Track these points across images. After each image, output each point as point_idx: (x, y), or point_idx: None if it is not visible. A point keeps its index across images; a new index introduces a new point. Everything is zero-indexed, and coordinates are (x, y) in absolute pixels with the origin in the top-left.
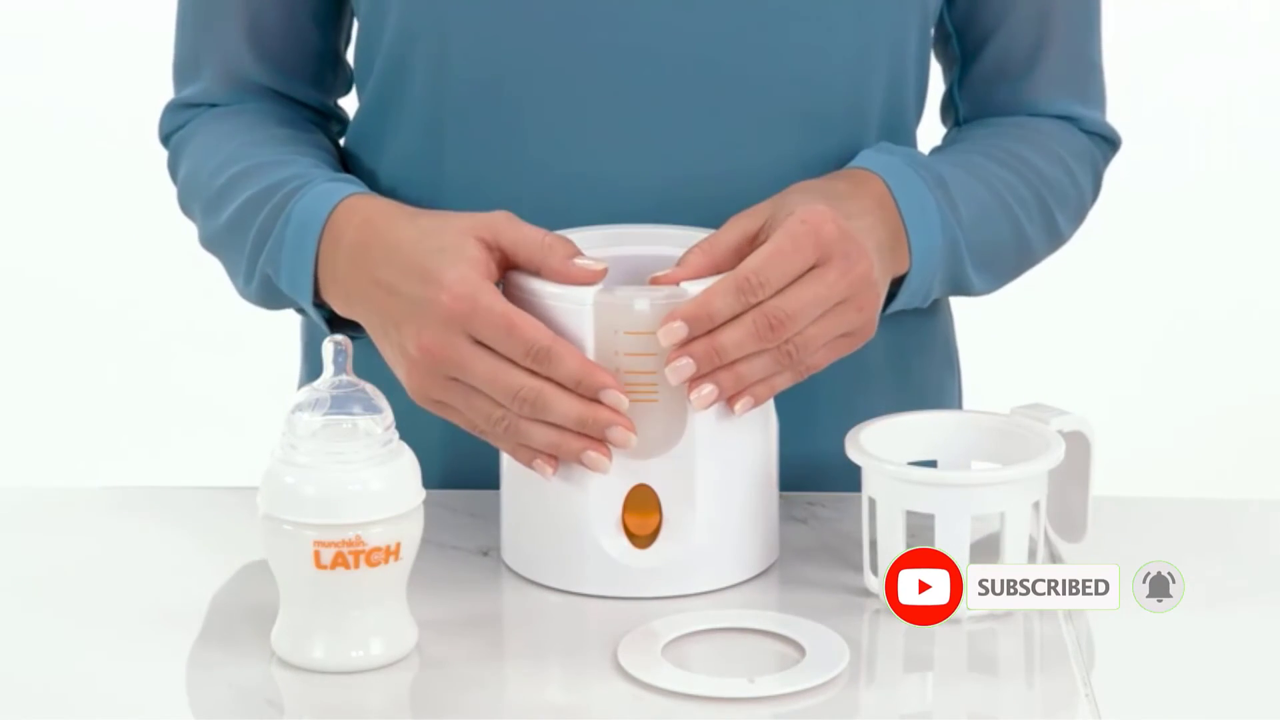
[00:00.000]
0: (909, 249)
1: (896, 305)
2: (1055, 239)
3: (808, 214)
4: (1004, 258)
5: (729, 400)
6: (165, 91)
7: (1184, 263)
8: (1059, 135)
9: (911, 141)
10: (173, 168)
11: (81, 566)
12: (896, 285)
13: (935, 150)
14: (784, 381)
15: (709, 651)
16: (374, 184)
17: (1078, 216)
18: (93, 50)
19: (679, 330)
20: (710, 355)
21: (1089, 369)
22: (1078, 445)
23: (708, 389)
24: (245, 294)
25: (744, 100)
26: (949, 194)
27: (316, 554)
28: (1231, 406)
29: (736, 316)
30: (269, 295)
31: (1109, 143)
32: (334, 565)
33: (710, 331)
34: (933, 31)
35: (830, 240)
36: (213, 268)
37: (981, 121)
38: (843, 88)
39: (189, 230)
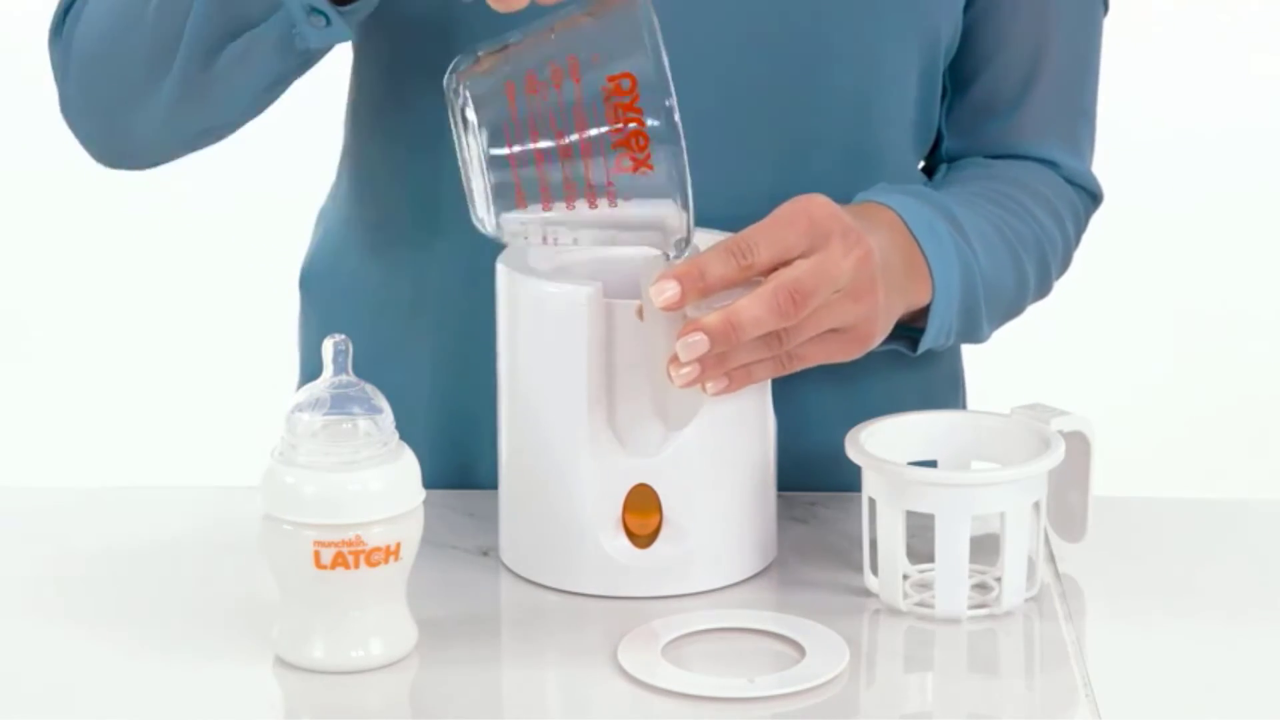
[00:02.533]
0: (929, 273)
1: (926, 342)
2: (1045, 289)
3: (802, 196)
4: (1007, 299)
5: (703, 376)
6: None
7: (1184, 263)
8: (1050, 184)
9: (913, 179)
10: (65, 44)
11: (81, 566)
12: (919, 320)
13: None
14: (764, 371)
15: (709, 651)
16: (379, 179)
17: (1064, 268)
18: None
19: (670, 288)
20: (728, 333)
21: (1089, 369)
22: (1078, 445)
23: (687, 370)
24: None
25: (736, 123)
26: (959, 225)
27: (316, 554)
28: (1231, 406)
29: (757, 302)
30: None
31: (1092, 197)
32: (334, 565)
33: (731, 311)
34: (942, 67)
35: (823, 219)
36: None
37: (971, 162)
38: (839, 114)
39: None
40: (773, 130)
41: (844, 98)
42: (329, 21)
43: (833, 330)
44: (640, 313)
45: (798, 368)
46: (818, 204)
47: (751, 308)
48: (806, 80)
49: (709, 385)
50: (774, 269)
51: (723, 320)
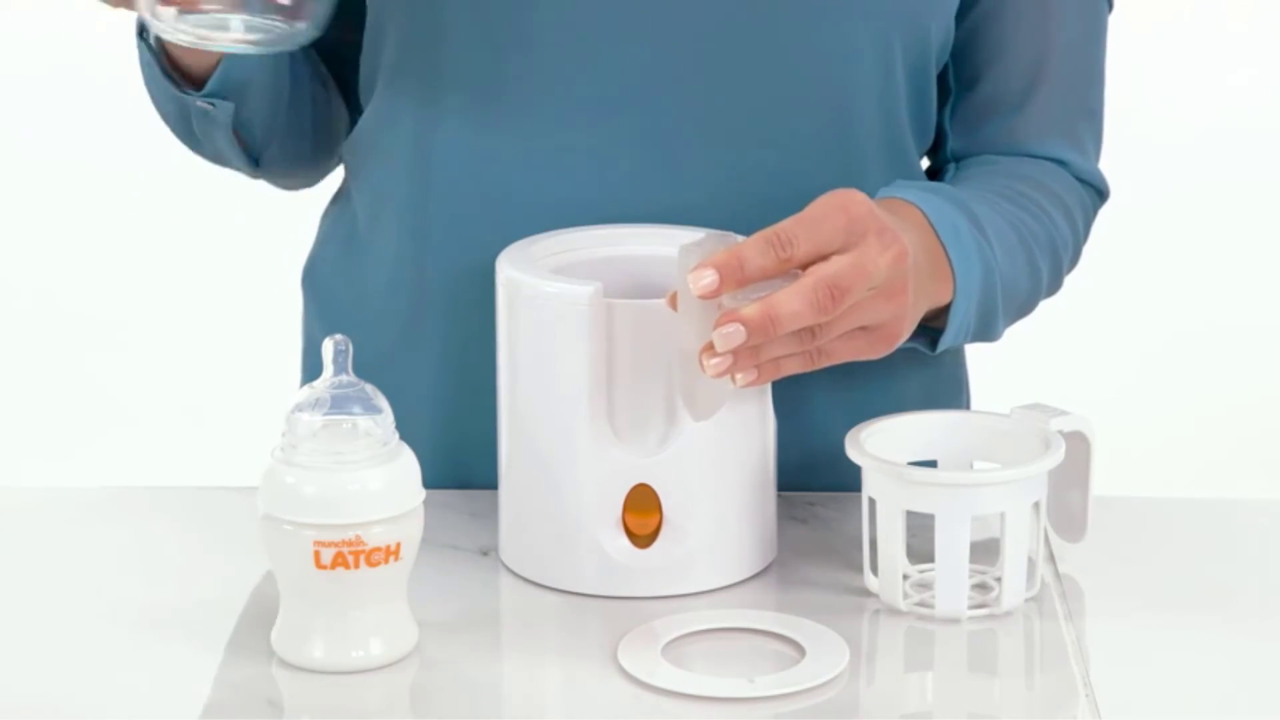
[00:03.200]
0: (952, 273)
1: (945, 341)
2: (1056, 287)
3: (839, 191)
4: (1022, 298)
5: (734, 367)
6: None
7: (1184, 263)
8: (1061, 181)
9: (916, 176)
10: None
11: (81, 566)
12: (938, 319)
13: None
14: (793, 365)
15: (709, 651)
16: (380, 180)
17: (1074, 265)
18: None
19: (708, 276)
20: (765, 326)
21: (1089, 369)
22: (1078, 445)
23: (719, 359)
24: (167, 112)
25: (734, 116)
26: (979, 223)
27: (316, 554)
28: (1231, 406)
29: (796, 296)
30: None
31: (1099, 194)
32: (334, 565)
33: (769, 304)
34: (934, 65)
35: (861, 217)
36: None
37: (981, 160)
38: (828, 105)
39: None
40: (749, 120)
41: (818, 88)
42: (214, 105)
43: (861, 328)
44: (673, 301)
45: (825, 364)
46: (856, 200)
47: (790, 302)
48: (778, 68)
49: (739, 377)
50: (811, 263)
51: (761, 313)
